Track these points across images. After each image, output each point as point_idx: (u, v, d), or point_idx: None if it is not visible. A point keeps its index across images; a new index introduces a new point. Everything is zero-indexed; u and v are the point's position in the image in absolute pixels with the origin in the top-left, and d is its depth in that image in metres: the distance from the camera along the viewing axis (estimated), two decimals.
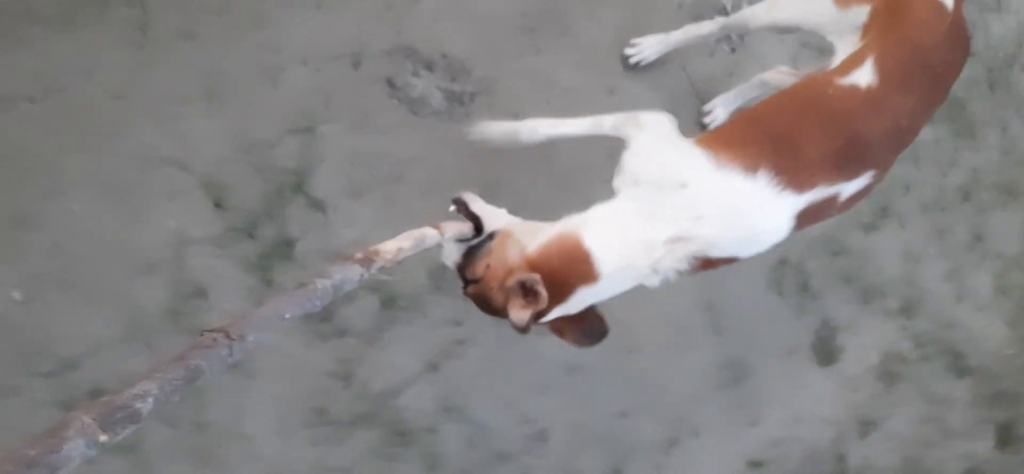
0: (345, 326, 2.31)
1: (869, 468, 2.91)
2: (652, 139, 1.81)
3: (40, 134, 2.06)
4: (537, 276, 1.59)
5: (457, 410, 2.42)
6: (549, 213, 1.76)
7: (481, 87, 2.45)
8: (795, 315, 2.80)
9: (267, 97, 2.25)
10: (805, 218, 1.75)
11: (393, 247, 1.37)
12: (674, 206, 1.69)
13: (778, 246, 2.69)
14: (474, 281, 1.69)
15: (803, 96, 1.87)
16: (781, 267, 2.78)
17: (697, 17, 2.65)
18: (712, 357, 2.72)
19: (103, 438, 0.78)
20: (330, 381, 2.30)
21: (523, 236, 1.71)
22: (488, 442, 2.45)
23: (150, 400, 0.84)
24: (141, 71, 2.15)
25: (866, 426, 2.90)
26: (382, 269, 1.32)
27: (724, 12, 2.66)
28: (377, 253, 1.32)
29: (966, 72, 2.98)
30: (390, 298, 2.35)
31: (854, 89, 1.77)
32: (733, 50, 2.68)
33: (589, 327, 1.79)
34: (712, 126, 2.52)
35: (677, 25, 2.57)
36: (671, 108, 2.52)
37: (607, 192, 1.76)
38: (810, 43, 2.66)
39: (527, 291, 1.60)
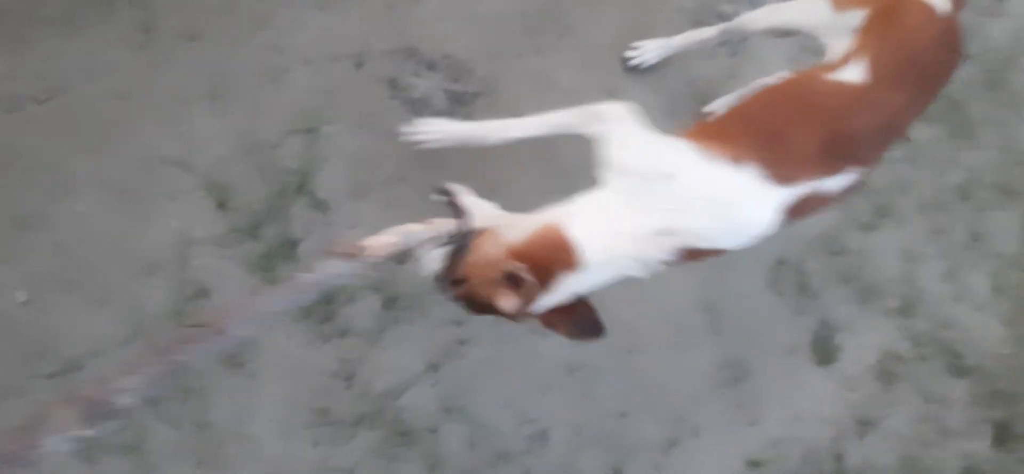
0: (347, 326, 2.31)
1: (868, 468, 2.92)
2: (631, 130, 1.83)
3: (45, 135, 2.07)
4: (523, 265, 1.61)
5: (458, 410, 2.43)
6: None
7: (483, 87, 2.46)
8: (794, 315, 2.82)
9: (270, 98, 2.26)
10: (792, 212, 1.76)
11: (379, 242, 1.37)
12: (660, 197, 1.70)
13: (772, 244, 2.73)
14: (460, 282, 1.69)
15: (792, 91, 1.89)
16: (780, 267, 2.79)
17: (697, 21, 2.67)
18: (712, 357, 2.73)
19: (83, 432, 0.79)
20: (332, 381, 2.31)
21: (506, 229, 1.72)
22: (489, 442, 2.46)
23: (131, 395, 0.85)
24: (145, 72, 2.16)
25: (864, 426, 2.91)
26: (368, 264, 1.32)
27: (725, 17, 2.68)
28: (363, 248, 1.31)
29: (964, 73, 3.02)
30: (391, 298, 2.36)
31: (843, 85, 1.79)
32: (733, 54, 2.70)
33: (582, 320, 1.80)
34: None
35: (677, 28, 2.59)
36: (671, 110, 2.56)
37: None
38: (809, 47, 2.66)
39: (514, 281, 1.61)
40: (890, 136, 1.87)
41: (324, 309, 2.28)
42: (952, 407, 3.00)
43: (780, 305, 2.79)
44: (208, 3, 2.23)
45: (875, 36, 1.85)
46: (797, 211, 1.77)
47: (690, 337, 2.70)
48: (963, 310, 3.01)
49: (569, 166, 2.36)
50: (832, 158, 1.75)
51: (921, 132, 2.98)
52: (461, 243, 1.70)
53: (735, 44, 2.69)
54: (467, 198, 1.76)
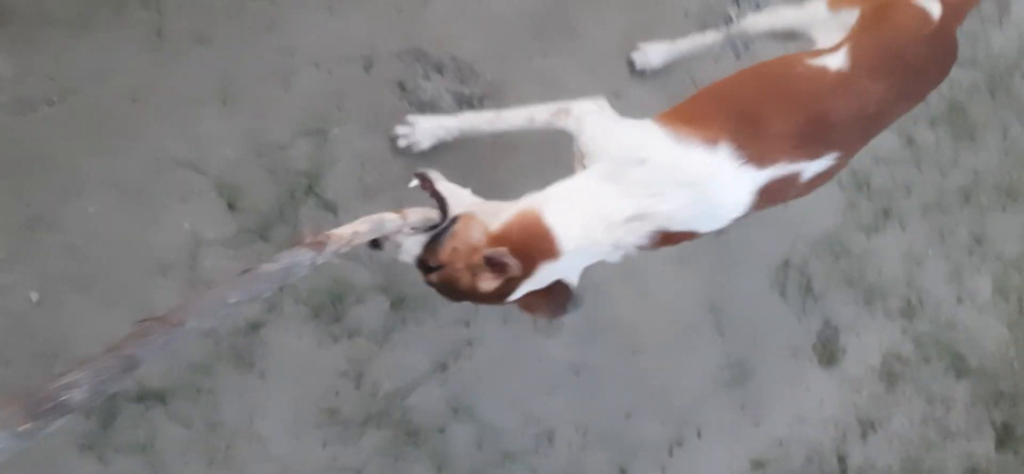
0: (356, 327, 2.33)
1: (870, 468, 2.94)
2: (604, 119, 1.86)
3: (57, 136, 2.08)
4: (504, 249, 1.62)
5: (466, 410, 2.45)
6: None
7: (490, 90, 2.47)
8: (798, 316, 2.84)
9: (280, 100, 2.28)
10: (765, 195, 1.76)
11: (347, 232, 1.35)
12: (634, 182, 1.71)
13: (776, 246, 2.76)
14: (438, 268, 1.70)
15: (770, 73, 1.90)
16: (784, 269, 2.81)
17: (703, 24, 2.69)
18: (716, 358, 2.75)
19: (26, 427, 0.76)
20: (341, 381, 2.32)
21: (485, 216, 1.73)
22: (496, 442, 2.48)
23: (80, 391, 0.82)
24: (156, 74, 2.17)
25: (867, 427, 2.94)
26: (336, 253, 1.30)
27: (730, 20, 2.70)
28: (329, 237, 1.29)
29: (967, 78, 3.05)
30: (399, 299, 2.37)
31: (823, 70, 1.80)
32: (738, 56, 2.72)
33: (559, 298, 1.81)
34: None
35: (683, 31, 2.61)
36: None
37: None
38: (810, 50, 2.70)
39: (495, 266, 1.62)
40: (868, 126, 1.87)
41: (333, 310, 2.30)
42: (954, 409, 3.03)
43: (784, 307, 2.81)
44: (218, 6, 2.24)
45: (863, 30, 1.87)
46: (771, 195, 1.77)
47: (695, 338, 2.72)
48: (965, 312, 3.03)
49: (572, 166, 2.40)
50: (808, 142, 1.75)
51: (924, 136, 3.00)
52: (440, 229, 1.71)
53: (740, 47, 2.71)
54: (443, 184, 1.76)
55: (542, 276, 1.72)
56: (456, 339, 2.45)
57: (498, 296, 1.70)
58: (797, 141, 1.73)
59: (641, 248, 1.74)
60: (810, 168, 1.78)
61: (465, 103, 2.44)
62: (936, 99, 3.02)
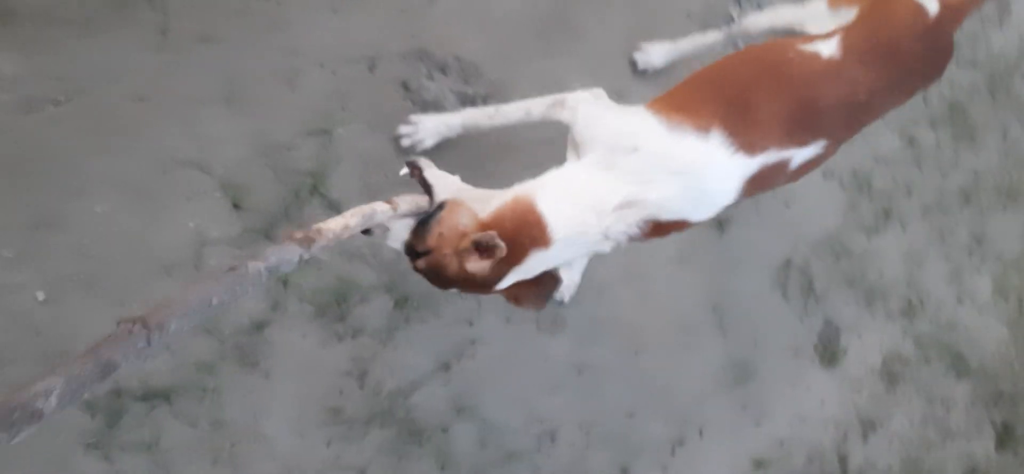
0: (360, 326, 2.34)
1: (871, 468, 2.95)
2: (596, 108, 1.87)
3: (63, 136, 2.09)
4: (493, 232, 1.60)
5: (469, 409, 2.46)
6: None
7: (493, 90, 2.48)
8: (799, 317, 2.85)
9: (285, 99, 2.28)
10: (755, 182, 1.77)
11: (338, 225, 1.32)
12: (625, 170, 1.71)
13: (778, 246, 2.77)
14: (425, 254, 1.67)
15: (761, 58, 1.90)
16: (785, 269, 2.83)
17: (704, 24, 2.70)
18: (718, 358, 2.76)
19: None
20: (345, 380, 2.33)
21: (474, 203, 1.72)
22: (499, 441, 2.49)
23: (53, 398, 0.79)
24: (162, 74, 2.18)
25: (868, 427, 2.95)
26: (326, 247, 1.27)
27: (731, 19, 2.71)
28: (319, 232, 1.26)
29: (967, 79, 3.06)
30: (403, 298, 2.38)
31: (815, 56, 1.81)
32: None
33: (544, 288, 1.81)
34: None
35: (685, 31, 2.62)
36: None
37: None
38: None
39: (482, 249, 1.60)
40: (857, 114, 1.87)
41: (337, 309, 2.30)
42: (954, 409, 3.04)
43: (785, 307, 2.83)
44: (224, 6, 2.25)
45: (858, 20, 1.89)
46: (760, 182, 1.78)
47: (696, 338, 2.73)
48: (966, 312, 3.05)
49: None
50: (797, 128, 1.76)
51: (924, 136, 3.01)
52: (429, 215, 1.69)
53: (741, 46, 2.72)
54: (432, 172, 1.75)
55: (532, 265, 1.71)
56: (459, 338, 2.46)
57: (486, 284, 1.69)
58: (787, 128, 1.74)
59: (632, 238, 1.74)
60: (799, 155, 1.78)
61: (468, 103, 2.45)
62: (936, 100, 3.03)
